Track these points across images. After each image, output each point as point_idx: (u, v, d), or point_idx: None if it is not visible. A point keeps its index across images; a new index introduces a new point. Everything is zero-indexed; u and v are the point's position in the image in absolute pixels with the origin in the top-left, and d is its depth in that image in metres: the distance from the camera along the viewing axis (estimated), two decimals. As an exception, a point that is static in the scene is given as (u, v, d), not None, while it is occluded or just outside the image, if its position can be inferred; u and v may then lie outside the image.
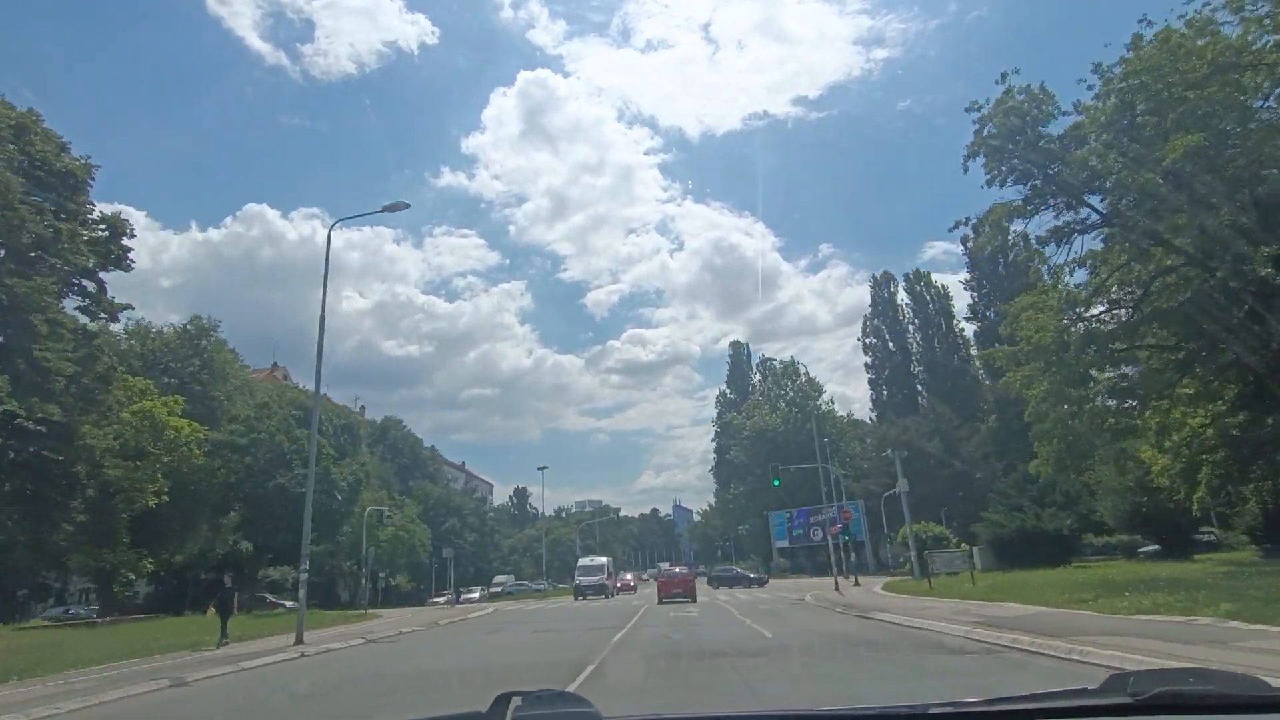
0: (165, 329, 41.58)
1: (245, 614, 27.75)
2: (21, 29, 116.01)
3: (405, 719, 4.47)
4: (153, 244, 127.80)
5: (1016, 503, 35.34)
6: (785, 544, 60.75)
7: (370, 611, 34.78)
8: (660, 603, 30.31)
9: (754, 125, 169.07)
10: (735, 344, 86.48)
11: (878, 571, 49.53)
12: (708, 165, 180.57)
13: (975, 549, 36.01)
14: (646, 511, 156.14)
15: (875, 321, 73.17)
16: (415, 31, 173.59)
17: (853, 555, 50.58)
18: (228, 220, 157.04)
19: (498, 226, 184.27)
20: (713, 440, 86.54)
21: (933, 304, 69.31)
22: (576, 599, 36.48)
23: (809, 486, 67.75)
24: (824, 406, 71.64)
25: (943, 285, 69.82)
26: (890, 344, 72.01)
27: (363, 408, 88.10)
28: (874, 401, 73.68)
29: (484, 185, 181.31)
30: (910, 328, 70.96)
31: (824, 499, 63.29)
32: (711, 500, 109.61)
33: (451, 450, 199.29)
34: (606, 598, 36.37)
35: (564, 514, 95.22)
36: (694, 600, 29.55)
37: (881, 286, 73.79)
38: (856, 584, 32.43)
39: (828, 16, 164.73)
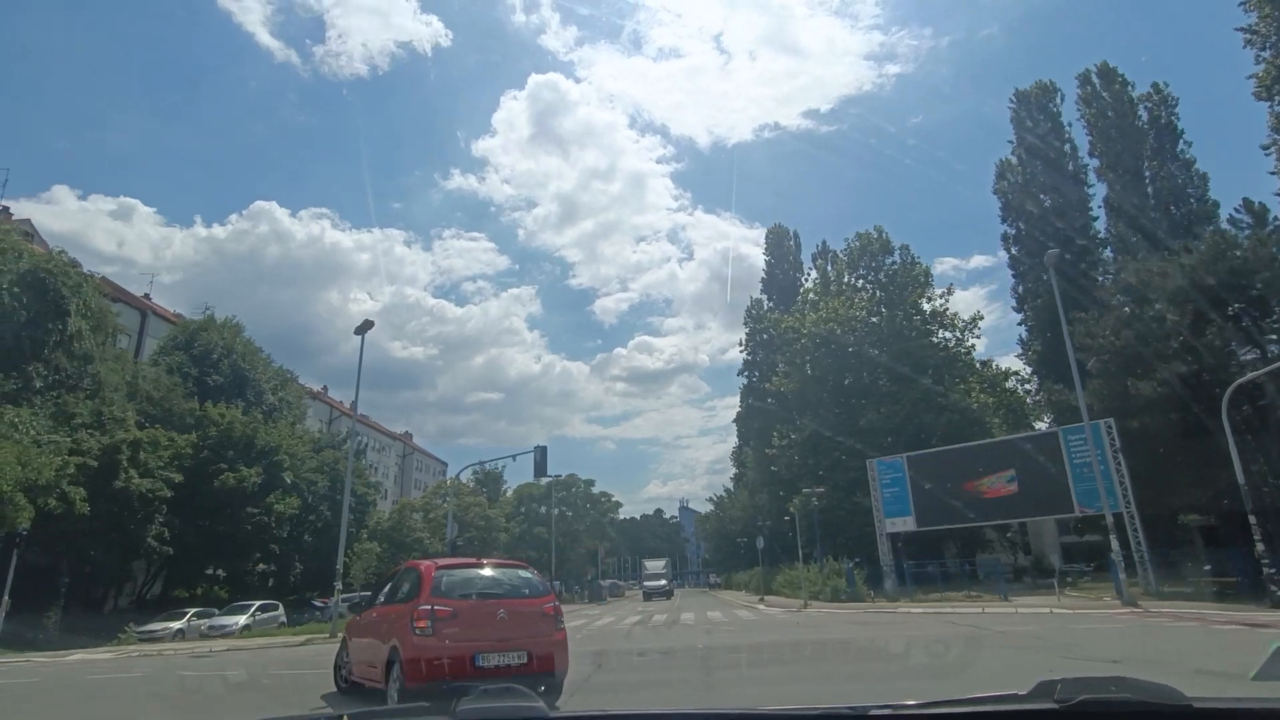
0: None
1: None
2: (28, 18, 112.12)
3: (350, 711, 2.49)
4: (155, 239, 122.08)
5: None
6: (909, 523, 30.18)
7: None
8: None
9: (765, 136, 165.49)
10: (776, 229, 56.10)
11: (1179, 587, 19.54)
12: (718, 175, 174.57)
13: None
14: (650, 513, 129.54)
15: (1025, 165, 43.44)
16: (429, 33, 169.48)
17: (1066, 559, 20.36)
18: (234, 217, 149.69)
19: (507, 230, 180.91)
20: (740, 373, 56.96)
21: (1145, 112, 39.47)
22: None
23: (915, 425, 37.97)
24: (939, 305, 41.82)
25: (1162, 84, 39.76)
26: (1048, 197, 42.41)
27: (210, 313, 57.01)
28: (1017, 297, 44.13)
29: (494, 189, 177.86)
30: (1094, 161, 41.28)
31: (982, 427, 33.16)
32: (729, 484, 79.14)
33: (455, 455, 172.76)
34: None
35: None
36: None
37: (1030, 105, 44.11)
38: None
39: (839, 31, 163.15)
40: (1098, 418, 23.52)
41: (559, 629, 7.73)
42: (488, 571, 8.32)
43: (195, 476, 28.59)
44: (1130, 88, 40.25)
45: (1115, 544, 18.09)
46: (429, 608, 7.13)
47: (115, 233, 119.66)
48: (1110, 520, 18.88)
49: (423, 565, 8.19)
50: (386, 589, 8.97)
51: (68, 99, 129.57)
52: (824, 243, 52.30)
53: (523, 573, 8.47)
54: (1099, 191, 41.46)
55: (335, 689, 9.18)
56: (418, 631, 6.99)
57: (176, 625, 23.88)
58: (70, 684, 11.28)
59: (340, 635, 10.85)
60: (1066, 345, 20.21)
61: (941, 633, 13.72)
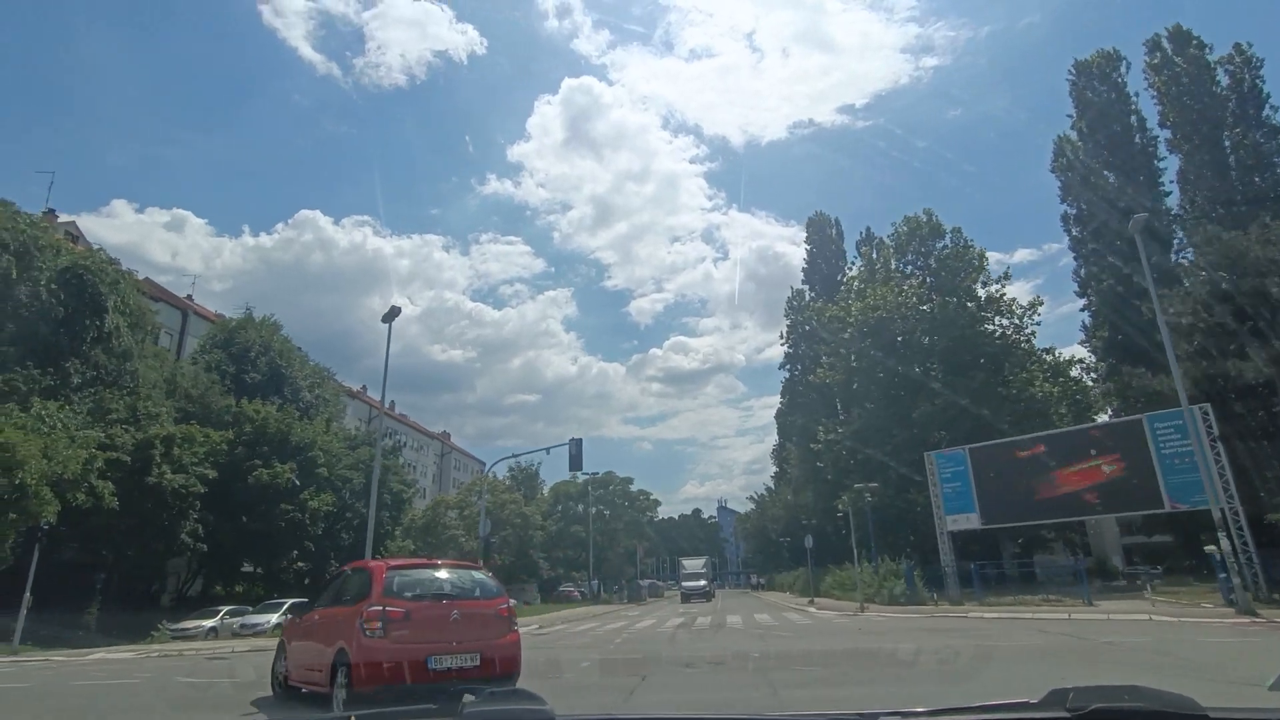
0: None
1: None
2: (87, 41, 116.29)
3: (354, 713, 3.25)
4: (206, 249, 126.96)
5: None
6: (973, 520, 28.16)
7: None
8: None
9: (799, 134, 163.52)
10: (817, 218, 54.01)
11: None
12: (753, 174, 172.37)
13: None
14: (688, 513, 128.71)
15: (1086, 140, 40.63)
16: (464, 41, 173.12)
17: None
18: (279, 226, 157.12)
19: (542, 234, 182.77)
20: (781, 367, 55.13)
21: (1225, 76, 36.41)
22: None
23: (971, 417, 35.45)
24: (995, 292, 39.18)
25: (1244, 45, 36.69)
26: (1113, 172, 39.56)
27: (249, 312, 57.01)
28: (1079, 280, 41.30)
29: (529, 193, 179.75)
30: (1164, 132, 38.31)
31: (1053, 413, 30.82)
32: (768, 483, 76.99)
33: (493, 456, 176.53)
34: None
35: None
36: None
37: (1092, 76, 41.26)
38: None
39: (874, 25, 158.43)
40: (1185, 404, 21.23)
41: (512, 630, 7.59)
42: (441, 573, 8.08)
43: (230, 473, 28.23)
44: (1208, 50, 37.22)
45: (1224, 543, 16.01)
46: (380, 608, 6.89)
47: (169, 243, 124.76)
48: (1217, 517, 16.78)
49: (372, 565, 7.97)
50: (329, 591, 8.57)
51: (125, 117, 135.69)
52: (868, 229, 50.02)
53: (475, 574, 8.35)
54: (1169, 165, 38.58)
55: (271, 693, 8.61)
56: (368, 633, 6.76)
57: (209, 623, 23.40)
58: (53, 691, 10.41)
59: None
60: (1159, 320, 18.07)
61: (1036, 644, 12.01)
